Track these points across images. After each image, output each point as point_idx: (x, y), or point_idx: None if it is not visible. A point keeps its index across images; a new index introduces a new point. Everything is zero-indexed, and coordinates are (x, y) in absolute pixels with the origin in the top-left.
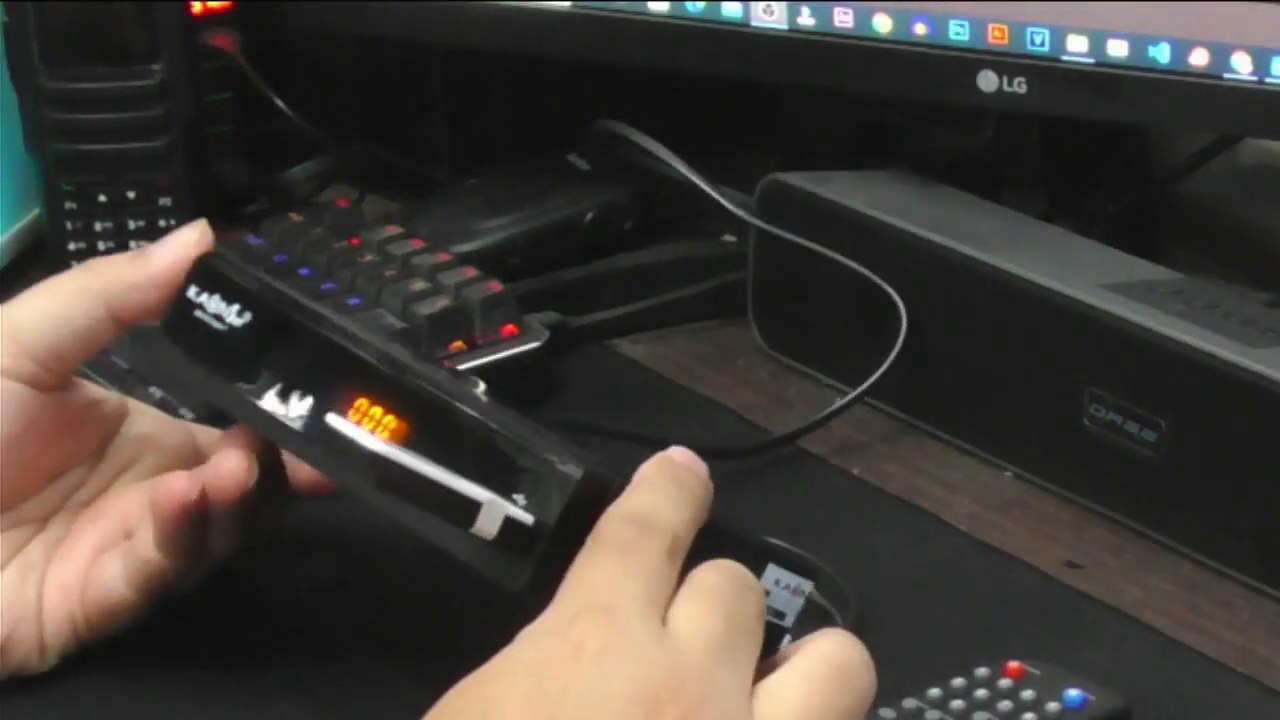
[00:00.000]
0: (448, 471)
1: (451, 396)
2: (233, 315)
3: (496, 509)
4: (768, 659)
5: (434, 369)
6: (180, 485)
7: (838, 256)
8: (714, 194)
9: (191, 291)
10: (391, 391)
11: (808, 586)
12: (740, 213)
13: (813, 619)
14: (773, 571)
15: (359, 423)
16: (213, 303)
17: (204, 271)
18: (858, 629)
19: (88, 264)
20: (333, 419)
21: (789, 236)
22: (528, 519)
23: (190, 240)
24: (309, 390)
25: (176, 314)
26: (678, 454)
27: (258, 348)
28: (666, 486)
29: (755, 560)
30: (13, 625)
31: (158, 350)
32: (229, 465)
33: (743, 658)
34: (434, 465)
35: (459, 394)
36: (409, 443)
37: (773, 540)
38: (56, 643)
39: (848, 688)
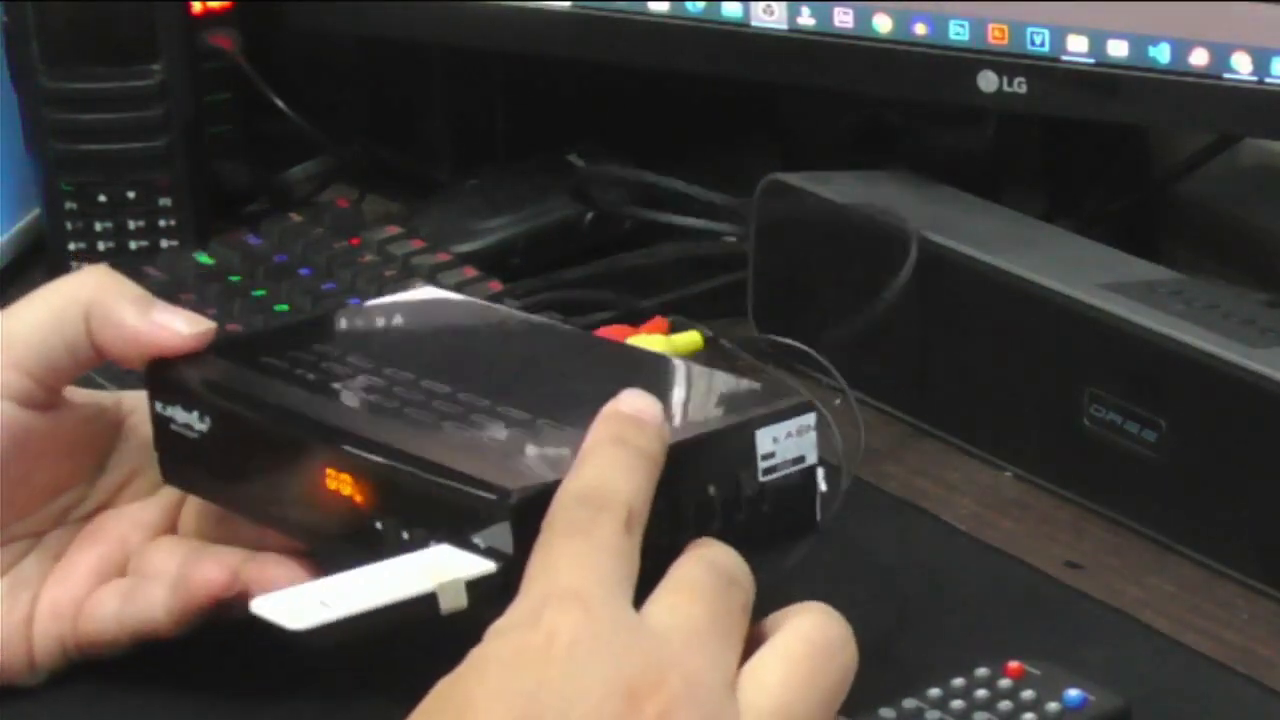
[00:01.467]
0: (385, 586)
1: (387, 455)
2: (197, 422)
3: (454, 585)
4: (750, 630)
5: (390, 415)
6: (218, 579)
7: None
8: (702, 221)
9: (159, 406)
10: (354, 456)
11: (810, 419)
12: (721, 228)
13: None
14: (765, 433)
15: (337, 489)
16: (178, 414)
17: (160, 384)
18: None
19: (91, 270)
20: (257, 606)
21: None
22: (490, 567)
23: (185, 332)
24: (287, 480)
25: (159, 430)
26: (627, 403)
27: (230, 448)
28: (614, 454)
29: (739, 443)
30: (2, 645)
31: (167, 469)
32: (277, 575)
33: (726, 648)
34: (367, 593)
35: (399, 449)
36: (378, 509)
37: (745, 415)
38: (47, 661)
39: (830, 665)
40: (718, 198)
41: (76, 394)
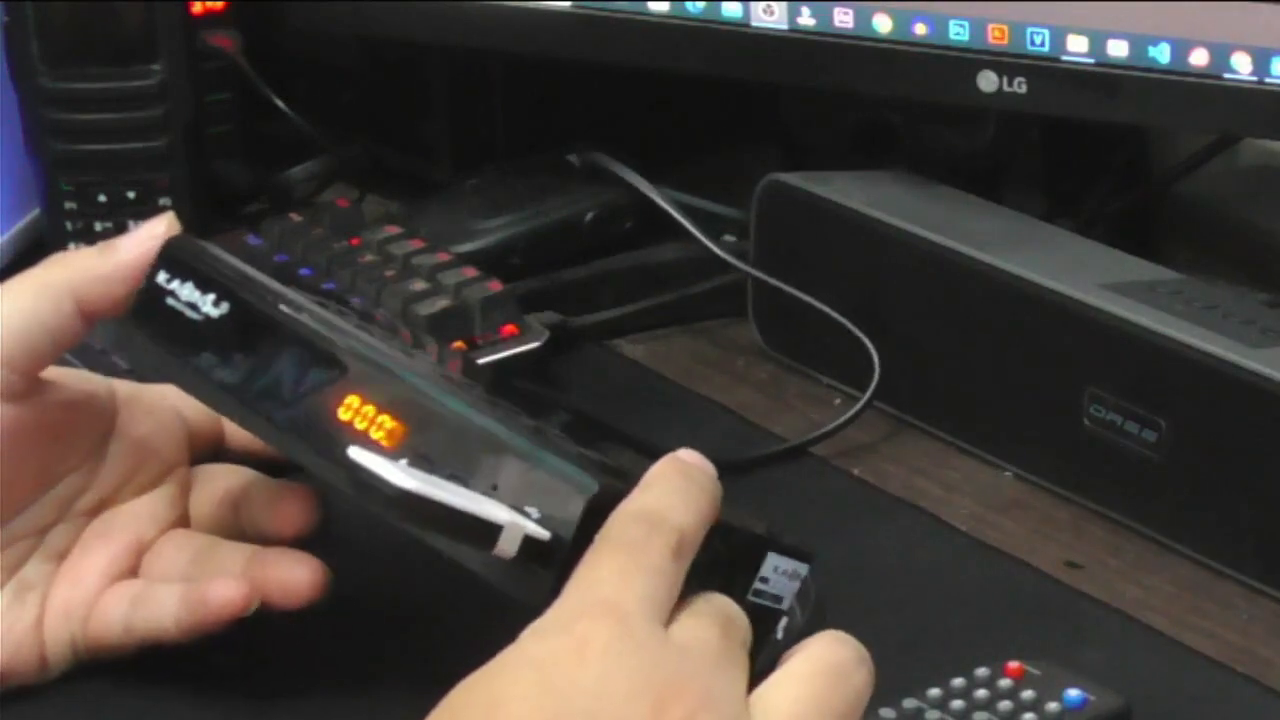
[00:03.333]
0: (468, 496)
1: (452, 400)
2: (208, 305)
3: (515, 530)
4: (762, 666)
5: (426, 364)
6: (236, 600)
7: (830, 311)
8: (695, 231)
9: (161, 278)
10: (385, 392)
11: (804, 570)
12: (724, 255)
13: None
14: (772, 559)
15: (350, 420)
16: (185, 290)
17: (175, 257)
18: (817, 620)
19: (51, 259)
20: (355, 452)
21: (781, 285)
22: (545, 535)
23: (158, 232)
24: (301, 389)
25: (145, 300)
26: (687, 454)
27: (238, 341)
28: (677, 483)
29: (757, 549)
30: (13, 650)
31: (125, 337)
32: (301, 579)
33: (737, 669)
34: (455, 492)
35: (459, 397)
36: (411, 448)
37: (771, 530)
38: (58, 661)
39: (842, 685)
40: (717, 207)
41: (61, 375)
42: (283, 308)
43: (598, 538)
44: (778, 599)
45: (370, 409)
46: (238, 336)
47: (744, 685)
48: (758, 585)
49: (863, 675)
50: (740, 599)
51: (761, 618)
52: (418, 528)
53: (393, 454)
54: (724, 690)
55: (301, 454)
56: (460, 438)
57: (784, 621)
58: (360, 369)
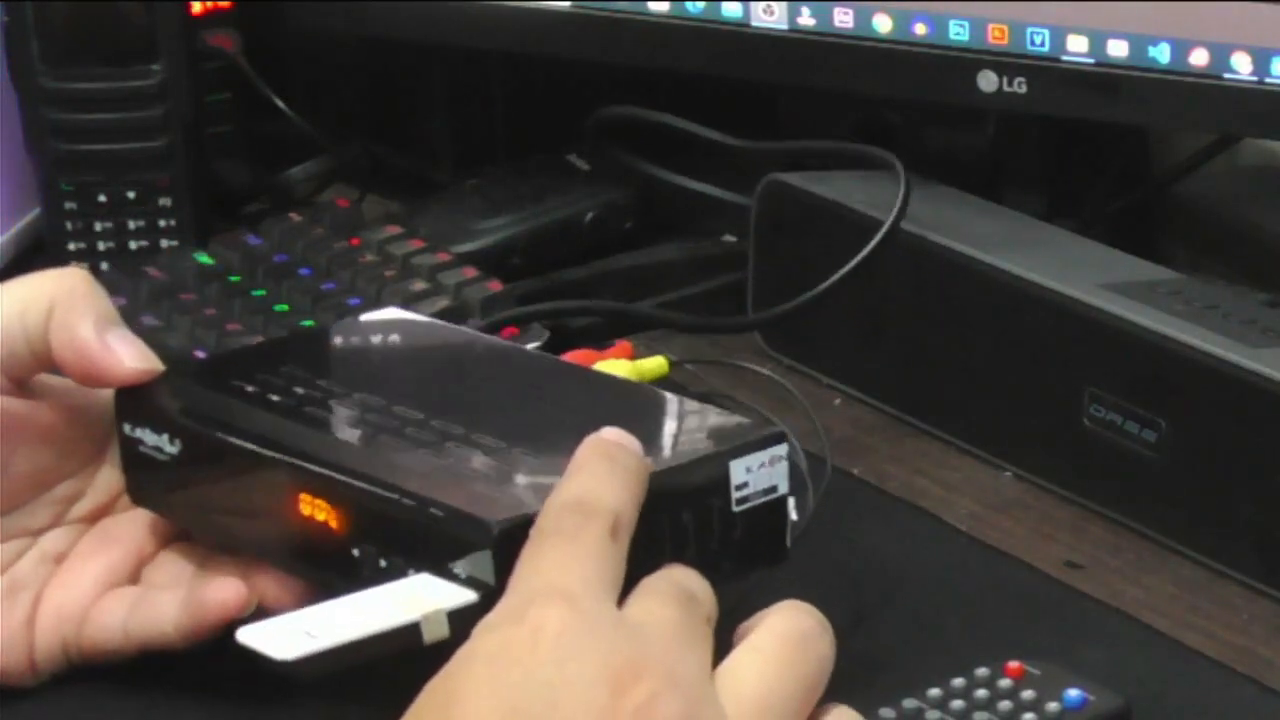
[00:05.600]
0: (370, 612)
1: (367, 484)
2: (166, 443)
3: (437, 615)
4: (727, 638)
5: (370, 434)
6: (233, 601)
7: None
8: (717, 136)
9: (126, 428)
10: (323, 480)
11: (782, 450)
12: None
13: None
14: (739, 464)
15: (311, 514)
16: (147, 435)
17: (127, 404)
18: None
19: (70, 271)
20: (243, 634)
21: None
22: (471, 597)
23: (127, 365)
24: (260, 505)
25: (127, 455)
26: (610, 433)
27: (199, 471)
28: (602, 467)
29: (713, 472)
30: (2, 647)
31: (132, 489)
32: (297, 585)
33: (700, 646)
34: (352, 621)
35: (379, 478)
36: (356, 532)
37: (720, 445)
38: (48, 664)
39: (804, 656)
40: (723, 194)
41: (62, 381)
42: (228, 431)
43: (532, 531)
44: (770, 489)
45: (323, 502)
46: (199, 468)
47: (708, 661)
48: (738, 494)
49: (826, 643)
50: (730, 515)
51: (762, 514)
52: (345, 670)
53: (345, 540)
54: (686, 668)
55: (292, 569)
56: (383, 513)
57: (792, 501)
58: (303, 464)
